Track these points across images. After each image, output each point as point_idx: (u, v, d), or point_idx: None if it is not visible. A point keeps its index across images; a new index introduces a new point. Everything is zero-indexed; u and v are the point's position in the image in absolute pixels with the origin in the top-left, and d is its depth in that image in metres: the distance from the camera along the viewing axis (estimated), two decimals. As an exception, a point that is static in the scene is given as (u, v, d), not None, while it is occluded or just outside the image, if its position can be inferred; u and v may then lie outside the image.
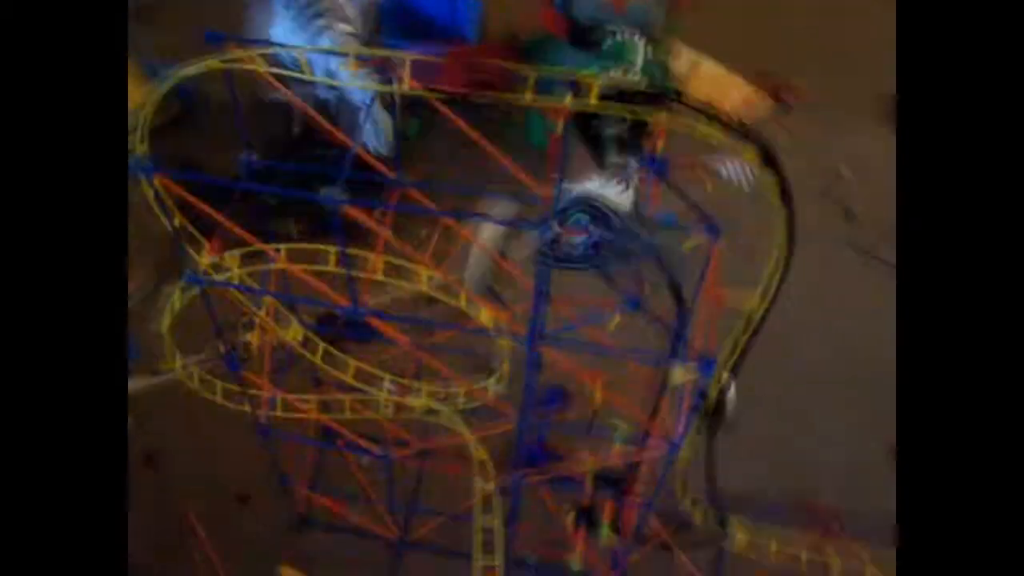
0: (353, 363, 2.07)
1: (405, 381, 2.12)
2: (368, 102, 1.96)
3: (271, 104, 3.20)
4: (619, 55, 1.58)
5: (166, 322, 1.86)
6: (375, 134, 2.48)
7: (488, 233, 1.85)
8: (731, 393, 1.68)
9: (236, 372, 2.01)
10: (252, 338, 2.19)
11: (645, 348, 1.78)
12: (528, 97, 1.40)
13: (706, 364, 1.54)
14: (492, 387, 2.07)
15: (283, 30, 3.02)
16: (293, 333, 2.05)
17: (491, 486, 2.14)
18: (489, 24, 4.01)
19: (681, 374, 1.64)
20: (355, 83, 1.75)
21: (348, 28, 3.14)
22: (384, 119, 2.50)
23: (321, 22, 3.12)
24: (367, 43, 2.93)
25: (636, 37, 1.58)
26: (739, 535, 2.23)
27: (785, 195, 1.35)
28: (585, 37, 1.61)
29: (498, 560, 2.01)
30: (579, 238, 1.40)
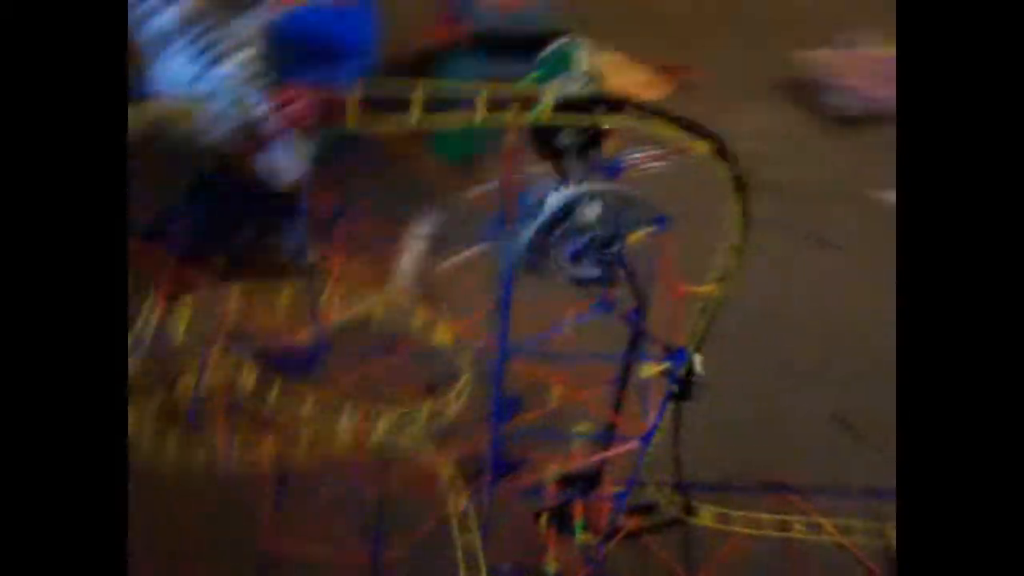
0: (310, 397, 2.03)
1: (364, 407, 2.10)
2: (287, 130, 1.92)
3: (179, 144, 3.08)
4: (557, 63, 1.60)
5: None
6: (297, 163, 2.42)
7: (418, 247, 1.85)
8: (697, 367, 1.70)
9: (192, 423, 1.94)
10: (204, 384, 2.12)
11: (608, 344, 1.80)
12: (479, 115, 1.40)
13: (677, 355, 1.58)
14: (454, 403, 2.08)
15: (177, 65, 2.90)
16: (246, 374, 2.00)
17: (463, 502, 2.13)
18: (388, 41, 3.95)
19: (649, 368, 1.67)
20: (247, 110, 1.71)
21: (249, 52, 3.03)
22: (305, 146, 2.44)
23: (217, 51, 3.01)
24: (268, 66, 2.84)
25: (570, 43, 1.60)
26: (707, 518, 2.28)
27: (740, 187, 1.40)
28: (508, 46, 1.61)
29: (482, 575, 2.02)
30: (577, 257, 1.41)
